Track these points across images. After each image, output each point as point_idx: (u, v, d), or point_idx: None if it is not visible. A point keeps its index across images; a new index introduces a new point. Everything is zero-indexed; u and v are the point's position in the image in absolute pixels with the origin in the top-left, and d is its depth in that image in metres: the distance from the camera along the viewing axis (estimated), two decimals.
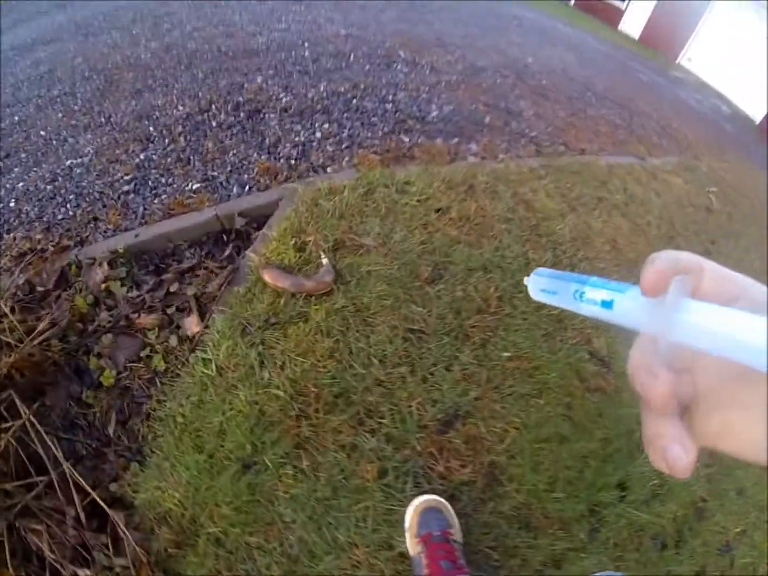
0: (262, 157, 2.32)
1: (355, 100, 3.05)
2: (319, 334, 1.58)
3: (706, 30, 11.80)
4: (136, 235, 1.89)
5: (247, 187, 2.12)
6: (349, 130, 2.66)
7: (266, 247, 1.75)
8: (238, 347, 1.53)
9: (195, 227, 1.91)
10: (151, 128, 2.75)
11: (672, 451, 0.27)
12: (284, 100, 2.92)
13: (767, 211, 4.54)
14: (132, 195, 2.18)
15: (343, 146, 2.49)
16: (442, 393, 1.62)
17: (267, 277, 1.59)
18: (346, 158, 2.38)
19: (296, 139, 2.50)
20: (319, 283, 1.60)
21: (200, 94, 3.09)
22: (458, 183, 2.38)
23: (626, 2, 13.68)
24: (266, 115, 2.72)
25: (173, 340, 1.59)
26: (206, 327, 1.59)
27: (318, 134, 2.56)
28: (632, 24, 13.53)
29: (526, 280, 0.43)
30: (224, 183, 2.16)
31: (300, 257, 1.71)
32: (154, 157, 2.44)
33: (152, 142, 2.59)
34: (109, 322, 1.64)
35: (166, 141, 2.57)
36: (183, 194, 2.09)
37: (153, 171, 2.31)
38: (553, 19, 10.39)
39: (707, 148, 5.65)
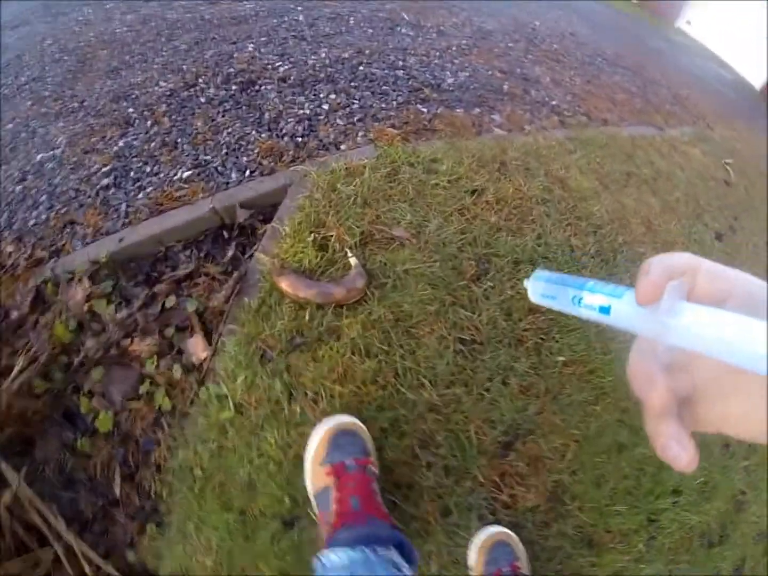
0: (262, 135, 1.95)
1: (361, 67, 2.66)
2: (356, 353, 1.26)
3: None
4: (120, 240, 1.54)
5: (247, 172, 1.76)
6: (360, 100, 2.28)
7: (278, 245, 1.40)
8: (258, 377, 1.21)
9: (189, 224, 1.56)
10: (130, 110, 2.37)
11: (671, 449, 0.29)
12: (281, 69, 2.53)
13: None
14: (112, 190, 1.82)
15: (355, 119, 2.12)
16: (500, 411, 1.40)
17: (285, 285, 1.26)
18: (360, 133, 2.02)
19: (300, 112, 2.12)
20: (350, 289, 1.27)
21: (184, 67, 2.70)
22: (489, 160, 2.03)
23: None
24: (262, 87, 2.34)
25: (177, 371, 1.27)
26: (215, 351, 1.26)
27: (325, 106, 2.18)
28: None
29: (525, 283, 0.45)
30: (219, 168, 1.80)
31: (322, 257, 1.37)
32: (135, 143, 2.07)
33: (132, 126, 2.21)
34: (98, 351, 1.32)
35: (149, 123, 2.19)
36: (172, 185, 1.73)
37: (135, 159, 1.94)
38: None
39: (716, 116, 5.36)
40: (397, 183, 1.67)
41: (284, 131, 1.99)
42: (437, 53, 3.20)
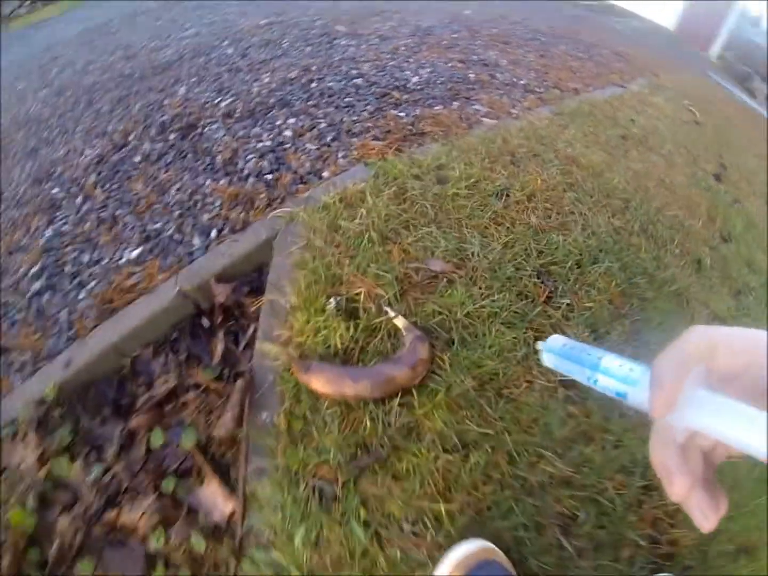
0: (220, 182, 1.54)
1: (314, 84, 2.28)
2: (449, 450, 0.86)
3: None
4: (68, 363, 1.10)
5: (213, 233, 1.34)
6: (325, 118, 1.89)
7: (286, 324, 0.98)
8: (324, 527, 0.78)
9: (154, 320, 1.13)
10: (54, 190, 1.94)
11: (696, 518, 0.31)
12: (223, 104, 2.13)
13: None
14: (46, 295, 1.37)
15: (328, 139, 1.73)
16: (630, 453, 1.05)
17: (319, 385, 0.84)
18: (341, 154, 1.62)
19: (259, 145, 1.72)
20: (414, 365, 0.85)
21: (110, 128, 2.28)
22: (497, 154, 1.68)
23: None
24: (206, 128, 1.93)
25: (198, 540, 0.83)
26: (245, 502, 0.82)
27: (287, 132, 1.79)
28: None
29: (540, 345, 0.44)
30: (176, 236, 1.37)
31: (355, 327, 0.95)
32: (65, 227, 1.63)
33: (60, 209, 1.78)
34: (77, 533, 0.88)
35: (79, 200, 1.76)
36: (119, 272, 1.30)
37: (68, 249, 1.51)
38: None
39: (655, 64, 5.39)
40: (410, 203, 1.27)
41: (246, 171, 1.58)
42: (388, 56, 2.86)
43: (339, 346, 0.90)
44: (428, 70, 2.63)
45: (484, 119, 2.09)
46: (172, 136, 1.95)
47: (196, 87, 2.42)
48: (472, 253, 1.14)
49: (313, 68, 2.52)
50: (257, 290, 1.15)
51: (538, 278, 1.17)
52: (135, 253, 1.34)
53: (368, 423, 0.82)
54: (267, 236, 1.24)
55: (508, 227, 1.30)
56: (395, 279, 1.01)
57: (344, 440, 0.82)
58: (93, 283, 1.31)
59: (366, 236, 1.09)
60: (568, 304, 1.16)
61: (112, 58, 3.53)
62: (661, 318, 1.32)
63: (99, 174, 1.89)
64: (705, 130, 3.73)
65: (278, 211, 1.31)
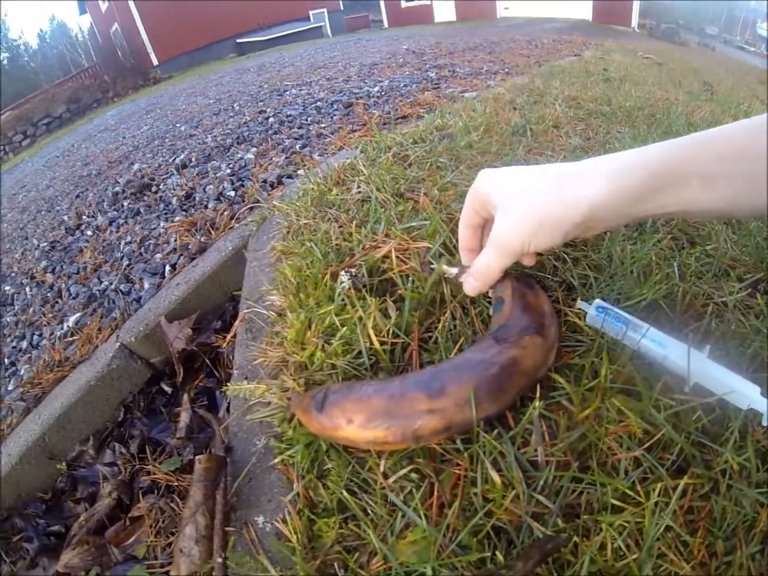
0: (176, 219, 1.17)
1: (271, 119, 1.98)
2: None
3: None
4: None
5: (167, 269, 0.96)
6: (290, 136, 1.57)
7: (273, 341, 0.57)
8: None
9: (90, 401, 0.73)
10: (7, 287, 1.59)
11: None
12: (177, 159, 1.81)
13: None
14: None
15: (298, 147, 1.39)
16: None
17: (354, 431, 0.36)
18: (316, 154, 1.28)
19: (219, 174, 1.37)
20: (542, 327, 0.38)
21: (66, 218, 1.96)
22: (495, 106, 1.34)
23: (428, 0, 13.85)
24: (161, 184, 1.60)
25: None
26: None
27: (249, 156, 1.45)
28: (443, 15, 13.54)
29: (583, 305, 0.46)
30: (123, 287, 0.99)
31: (398, 309, 0.50)
32: (8, 318, 1.26)
33: (11, 304, 1.42)
34: None
35: (28, 289, 1.40)
36: (54, 348, 0.91)
37: (8, 339, 1.12)
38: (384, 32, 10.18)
39: (594, 42, 5.36)
40: (417, 166, 0.89)
41: (206, 199, 1.21)
42: (342, 82, 2.62)
43: (377, 345, 0.47)
44: (387, 82, 2.36)
45: (464, 95, 1.78)
46: (125, 202, 1.62)
47: (150, 160, 2.13)
48: None
49: (268, 110, 2.25)
50: (233, 320, 0.76)
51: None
52: (73, 319, 0.94)
53: (496, 480, 0.34)
54: (234, 247, 0.86)
55: (549, 154, 0.92)
56: (441, 223, 0.60)
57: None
58: (24, 369, 0.91)
59: (374, 200, 0.71)
60: None
61: (73, 168, 3.31)
62: None
63: (50, 258, 1.55)
64: (670, 67, 3.73)
65: (248, 219, 0.93)
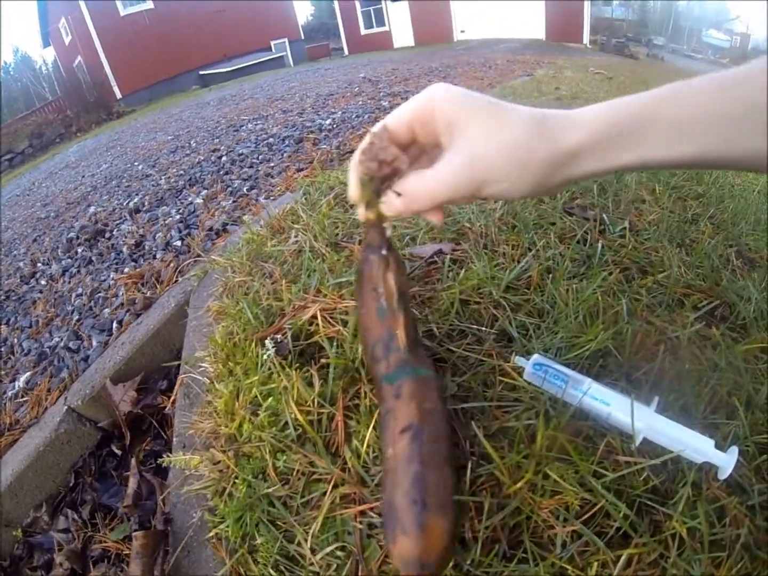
0: (125, 270, 1.16)
1: (224, 158, 1.98)
2: None
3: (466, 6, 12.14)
4: None
5: (114, 326, 0.95)
6: (240, 176, 1.58)
7: (205, 411, 0.56)
8: None
9: (41, 465, 0.71)
10: None
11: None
12: (131, 203, 1.79)
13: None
14: None
15: (245, 189, 1.40)
16: None
17: None
18: (262, 197, 1.28)
19: (168, 220, 1.36)
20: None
21: (21, 264, 1.90)
22: None
23: (387, 27, 14.02)
24: (114, 230, 1.58)
25: None
26: None
27: (198, 200, 1.45)
28: (402, 41, 13.75)
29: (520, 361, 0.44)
30: (72, 344, 0.97)
31: (324, 376, 0.50)
32: None
33: None
34: None
35: None
36: (5, 410, 0.88)
37: None
38: (344, 60, 10.29)
39: (547, 60, 5.55)
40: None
41: (153, 249, 1.20)
42: (296, 116, 2.64)
43: (301, 418, 0.46)
44: (340, 114, 2.39)
45: None
46: (79, 249, 1.58)
47: (106, 203, 2.10)
48: (469, 221, 0.77)
49: (222, 148, 2.25)
50: (171, 383, 0.75)
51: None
52: (24, 378, 0.92)
53: None
54: (177, 303, 0.85)
55: None
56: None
57: None
58: None
59: (308, 252, 0.72)
60: None
61: (33, 209, 3.22)
62: None
63: (4, 309, 1.50)
64: (620, 80, 3.84)
65: (187, 275, 0.93)
